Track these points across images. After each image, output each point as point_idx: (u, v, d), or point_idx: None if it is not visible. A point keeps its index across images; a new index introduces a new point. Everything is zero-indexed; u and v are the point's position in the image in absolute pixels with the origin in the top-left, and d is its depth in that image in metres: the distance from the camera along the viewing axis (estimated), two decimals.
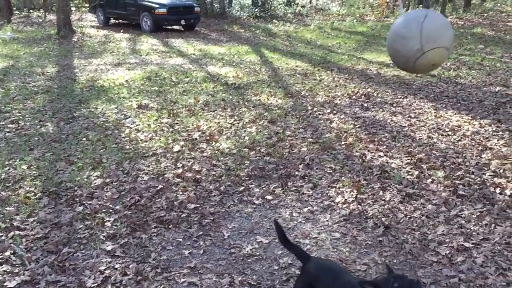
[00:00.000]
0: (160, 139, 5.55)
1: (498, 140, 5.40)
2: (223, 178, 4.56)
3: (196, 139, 5.57)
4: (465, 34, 14.00)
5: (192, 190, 4.29)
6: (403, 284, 2.18)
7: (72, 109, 6.77)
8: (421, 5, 17.18)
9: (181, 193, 4.24)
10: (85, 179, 4.50)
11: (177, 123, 6.12)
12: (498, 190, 4.18)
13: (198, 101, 7.20)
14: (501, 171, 4.57)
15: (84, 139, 5.58)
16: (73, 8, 19.63)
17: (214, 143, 5.46)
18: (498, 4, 23.19)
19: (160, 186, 4.31)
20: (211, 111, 6.70)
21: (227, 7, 21.05)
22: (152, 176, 4.57)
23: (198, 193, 4.24)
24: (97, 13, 17.80)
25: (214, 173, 4.67)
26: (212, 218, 3.85)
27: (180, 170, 4.68)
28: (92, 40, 13.79)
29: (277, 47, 12.75)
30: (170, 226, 3.71)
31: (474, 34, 14.05)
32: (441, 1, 21.83)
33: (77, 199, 4.11)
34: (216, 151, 5.20)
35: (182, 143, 5.42)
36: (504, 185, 4.25)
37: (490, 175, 4.49)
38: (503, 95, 7.34)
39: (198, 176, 4.56)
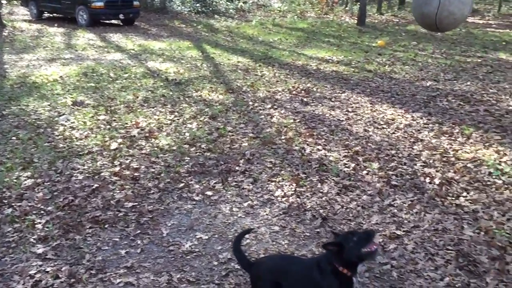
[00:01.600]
0: (96, 136, 5.38)
1: (428, 132, 5.66)
2: (162, 175, 4.49)
3: (134, 136, 5.44)
4: (400, 31, 14.57)
5: (130, 188, 4.19)
6: (360, 235, 2.38)
7: (1, 107, 6.42)
8: (358, 3, 17.67)
9: (118, 191, 4.13)
10: (15, 180, 4.28)
11: (114, 120, 5.96)
12: (427, 180, 4.38)
13: (137, 97, 7.04)
14: (431, 161, 4.79)
15: (14, 138, 5.31)
16: (3, 2, 18.58)
17: (153, 140, 5.36)
18: None
19: (95, 185, 4.18)
20: (150, 108, 6.57)
21: (167, 1, 20.69)
22: (87, 175, 4.42)
23: (136, 191, 4.15)
24: (30, 6, 16.94)
25: (153, 170, 4.59)
26: (150, 216, 3.78)
27: (117, 168, 4.56)
28: (24, 35, 13.13)
29: (219, 42, 12.69)
30: (106, 226, 3.60)
31: (408, 31, 14.64)
32: (377, 0, 22.58)
33: (5, 201, 3.91)
34: (156, 148, 5.11)
35: (119, 140, 5.28)
36: (433, 175, 4.46)
37: (420, 166, 4.70)
38: (434, 89, 7.70)
39: (136, 174, 4.46)
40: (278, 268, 2.64)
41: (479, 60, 10.20)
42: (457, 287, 2.94)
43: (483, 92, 7.51)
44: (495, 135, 5.50)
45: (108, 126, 5.73)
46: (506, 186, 4.22)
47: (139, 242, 3.45)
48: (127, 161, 4.75)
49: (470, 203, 3.96)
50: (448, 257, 3.24)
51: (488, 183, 4.30)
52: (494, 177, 4.41)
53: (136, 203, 3.95)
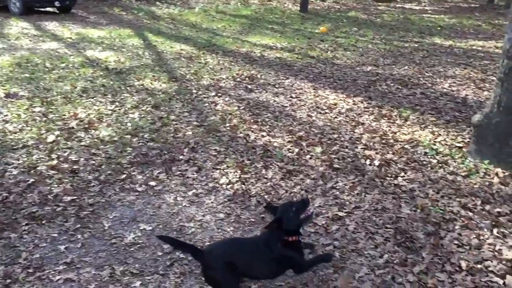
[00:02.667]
0: (31, 129, 5.14)
1: (368, 116, 5.82)
2: (103, 167, 4.37)
3: (73, 128, 5.25)
4: (341, 18, 14.83)
5: (69, 182, 4.05)
6: (297, 205, 2.73)
7: None
8: None
9: (56, 185, 3.98)
10: None
11: (51, 112, 5.71)
12: (368, 162, 4.52)
13: (76, 87, 6.78)
14: (371, 144, 4.94)
15: None
16: None
17: (93, 131, 5.19)
18: None
19: (31, 180, 4.01)
20: (90, 98, 6.35)
21: None
22: (22, 169, 4.22)
23: (75, 185, 4.02)
24: None
25: (93, 162, 4.45)
26: (91, 210, 3.67)
27: (54, 162, 4.39)
28: None
29: (161, 30, 12.42)
30: (43, 222, 3.47)
31: (349, 17, 14.94)
32: None
33: None
34: (96, 140, 4.96)
35: (57, 132, 5.08)
36: (373, 157, 4.60)
37: (361, 148, 4.84)
38: (374, 74, 7.91)
39: (75, 167, 4.32)
40: (229, 250, 2.72)
41: (416, 45, 10.57)
42: (395, 263, 3.06)
43: (420, 75, 7.80)
44: (430, 117, 5.73)
45: (44, 118, 5.49)
46: (440, 165, 4.42)
47: (79, 236, 3.34)
48: (65, 154, 4.58)
49: (408, 182, 4.12)
50: (387, 235, 3.36)
51: (424, 162, 4.49)
52: (429, 156, 4.60)
53: (76, 197, 3.82)
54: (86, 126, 5.31)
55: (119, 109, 5.93)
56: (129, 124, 5.42)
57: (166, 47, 10.08)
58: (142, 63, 8.50)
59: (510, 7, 4.06)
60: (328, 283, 2.89)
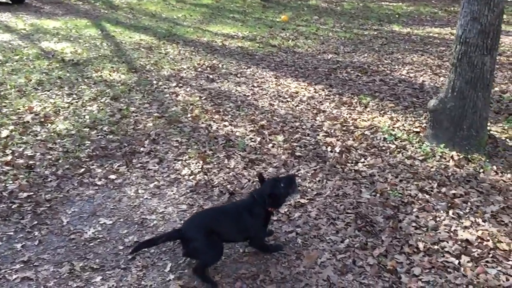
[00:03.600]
0: None
1: (329, 103, 5.88)
2: (60, 161, 4.25)
3: (28, 122, 5.08)
4: (302, 6, 14.88)
5: (24, 178, 3.92)
6: (285, 181, 2.96)
7: None
8: None
9: (11, 182, 3.84)
10: None
11: (5, 106, 5.51)
12: (329, 149, 4.57)
13: (30, 80, 6.55)
14: (332, 131, 4.99)
15: None
16: None
17: (49, 125, 5.04)
18: None
19: None
20: (45, 91, 6.15)
21: None
22: None
23: (31, 180, 3.89)
24: None
25: (50, 157, 4.32)
26: (48, 205, 3.57)
27: (9, 157, 4.24)
28: None
29: (120, 20, 12.13)
30: None
31: (310, 6, 15.00)
32: None
33: None
34: (52, 134, 4.82)
35: (11, 127, 4.90)
36: (334, 144, 4.66)
37: (323, 136, 4.89)
38: (334, 62, 7.99)
39: (31, 162, 4.18)
40: (208, 218, 2.92)
41: (375, 33, 10.73)
42: (356, 247, 3.12)
43: (379, 63, 7.93)
44: (389, 103, 5.84)
45: None
46: (398, 150, 4.52)
47: (36, 233, 3.25)
48: (20, 149, 4.42)
49: (367, 168, 4.19)
50: (348, 220, 3.42)
51: (383, 148, 4.58)
52: (388, 142, 4.70)
53: (32, 193, 3.71)
54: (42, 120, 5.14)
55: (77, 102, 5.78)
56: (87, 117, 5.29)
57: (125, 37, 9.86)
58: (100, 54, 8.29)
59: None
60: (291, 270, 2.92)
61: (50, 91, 6.16)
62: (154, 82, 6.73)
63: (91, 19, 11.96)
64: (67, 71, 7.11)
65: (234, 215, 2.92)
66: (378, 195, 3.74)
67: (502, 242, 3.13)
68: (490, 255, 3.00)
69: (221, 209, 3.20)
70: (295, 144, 4.70)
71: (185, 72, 7.29)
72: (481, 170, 4.05)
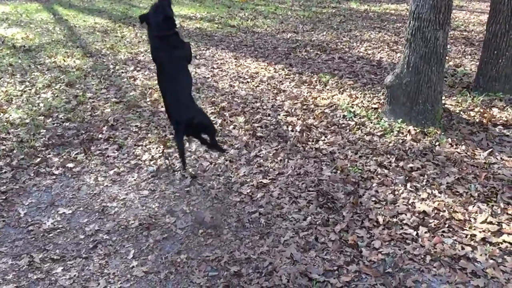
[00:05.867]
0: None
1: (290, 83, 5.89)
2: (15, 151, 4.11)
3: None
4: None
5: None
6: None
7: None
8: None
9: None
10: None
11: None
12: (290, 128, 4.59)
13: None
14: (293, 110, 5.02)
15: None
16: None
17: (2, 114, 4.85)
18: None
19: None
20: None
21: None
22: None
23: None
24: None
25: (3, 147, 4.17)
26: (4, 198, 3.47)
27: None
28: None
29: (73, 3, 11.73)
30: None
31: None
32: None
33: None
34: (5, 123, 4.64)
35: None
36: (295, 123, 4.69)
37: (283, 115, 4.90)
38: (294, 41, 7.99)
39: None
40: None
41: (333, 11, 10.78)
42: (318, 224, 3.17)
43: (337, 41, 7.98)
44: (348, 81, 5.91)
45: None
46: (358, 126, 4.59)
47: None
48: None
49: (328, 145, 4.24)
50: (310, 197, 3.46)
51: (343, 125, 4.64)
52: (347, 119, 4.76)
53: None
54: None
55: (30, 90, 5.58)
56: (41, 105, 5.12)
57: (78, 21, 9.55)
58: (53, 39, 8.00)
59: None
60: (255, 249, 2.94)
61: (1, 79, 5.92)
62: (111, 66, 6.56)
63: (42, 3, 11.50)
64: (19, 57, 6.84)
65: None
66: (338, 172, 3.79)
67: (457, 212, 3.24)
68: (446, 225, 3.11)
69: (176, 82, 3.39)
70: (256, 124, 4.70)
71: (143, 56, 7.14)
72: (437, 143, 4.17)
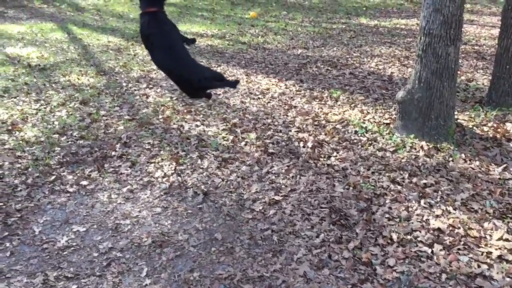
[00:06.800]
0: None
1: (301, 99, 5.91)
2: (30, 169, 4.16)
3: None
4: (270, 2, 14.88)
5: None
6: None
7: None
8: None
9: None
10: None
11: None
12: (301, 144, 4.60)
13: None
14: (304, 126, 5.03)
15: None
16: None
17: (17, 132, 4.92)
18: None
19: None
20: (12, 98, 6.00)
21: None
22: None
23: (0, 191, 3.80)
24: None
25: (19, 165, 4.23)
26: (19, 216, 3.50)
27: None
28: None
29: (87, 22, 11.92)
30: None
31: (278, 1, 15.01)
32: None
33: None
34: (21, 141, 4.71)
35: None
36: (306, 139, 4.69)
37: (295, 131, 4.91)
38: (304, 57, 8.03)
39: None
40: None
41: (344, 26, 10.83)
42: (331, 241, 3.15)
43: (348, 56, 8.01)
44: (359, 96, 5.91)
45: None
46: (370, 142, 4.58)
47: (7, 244, 3.18)
48: None
49: (340, 161, 4.24)
50: (322, 214, 3.45)
51: (355, 141, 4.63)
52: (359, 135, 4.75)
53: (1, 203, 3.62)
54: (10, 128, 5.02)
55: (45, 108, 5.66)
56: (56, 123, 5.19)
57: (92, 39, 9.70)
58: (68, 58, 8.13)
59: None
60: (268, 267, 2.93)
61: (17, 98, 6.01)
62: (124, 84, 6.64)
63: (57, 22, 11.71)
64: (34, 76, 6.95)
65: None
66: (351, 188, 3.78)
67: (472, 229, 3.21)
68: (462, 243, 3.07)
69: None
70: (267, 141, 4.72)
71: (155, 73, 7.22)
72: (450, 159, 4.14)
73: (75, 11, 13.79)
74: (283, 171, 4.11)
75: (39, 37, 9.91)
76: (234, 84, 3.84)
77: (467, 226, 3.24)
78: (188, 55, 3.40)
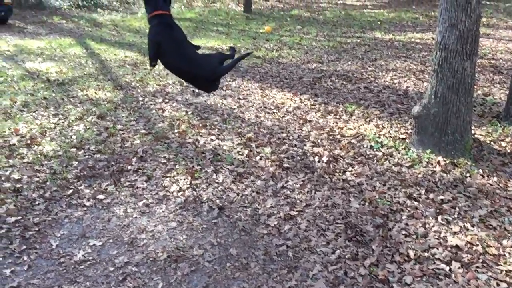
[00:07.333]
0: None
1: (315, 113, 5.92)
2: (48, 183, 4.22)
3: (14, 144, 5.03)
4: (285, 17, 15.01)
5: (12, 202, 3.88)
6: None
7: None
8: None
9: None
10: None
11: None
12: (316, 159, 4.59)
13: (15, 102, 6.51)
14: (319, 140, 5.02)
15: None
16: None
17: (36, 146, 5.00)
18: None
19: None
20: (31, 112, 6.11)
21: None
22: None
23: (19, 204, 3.85)
24: None
25: (37, 179, 4.29)
26: (37, 229, 3.54)
27: None
28: None
29: (104, 37, 12.13)
30: None
31: (292, 16, 15.13)
32: None
33: None
34: (39, 155, 4.78)
35: None
36: (322, 153, 4.69)
37: (310, 146, 4.91)
38: (319, 71, 8.06)
39: (18, 185, 4.14)
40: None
41: (358, 40, 10.85)
42: (347, 258, 3.13)
43: (363, 70, 8.01)
44: (374, 110, 5.90)
45: None
46: (385, 157, 4.56)
47: (25, 258, 3.22)
48: (7, 173, 4.38)
49: (355, 176, 4.22)
50: (338, 230, 3.43)
51: (370, 156, 4.62)
52: (375, 149, 4.73)
53: (20, 217, 3.67)
54: (28, 142, 5.11)
55: (63, 122, 5.75)
56: (73, 137, 5.26)
57: (109, 54, 9.86)
58: (85, 73, 8.27)
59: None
60: (283, 284, 2.92)
61: (36, 112, 6.12)
62: (140, 98, 6.72)
63: (75, 38, 11.94)
64: (53, 91, 7.08)
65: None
66: (367, 203, 3.76)
67: (491, 246, 3.16)
68: (480, 260, 3.03)
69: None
70: (282, 155, 4.72)
71: (171, 87, 7.30)
72: (468, 175, 4.10)
73: (93, 27, 14.04)
74: (298, 186, 4.10)
75: (58, 52, 10.10)
76: (247, 53, 3.87)
77: (485, 244, 3.19)
78: (197, 54, 3.44)
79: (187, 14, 16.76)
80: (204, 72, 3.20)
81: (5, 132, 5.39)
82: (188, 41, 3.45)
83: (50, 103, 6.47)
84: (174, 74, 3.38)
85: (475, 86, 6.16)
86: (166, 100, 6.62)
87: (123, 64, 8.96)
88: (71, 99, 6.68)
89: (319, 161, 4.54)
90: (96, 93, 7.00)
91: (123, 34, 12.76)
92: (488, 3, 16.65)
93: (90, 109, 6.23)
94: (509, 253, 3.07)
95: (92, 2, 19.03)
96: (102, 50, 10.31)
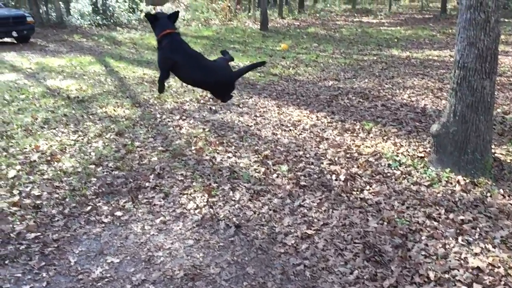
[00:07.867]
0: None
1: (332, 131, 5.91)
2: (67, 200, 4.27)
3: (35, 161, 5.12)
4: (301, 34, 15.12)
5: (32, 218, 3.93)
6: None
7: None
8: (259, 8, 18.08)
9: (18, 223, 3.85)
10: None
11: (11, 146, 5.56)
12: (334, 177, 4.57)
13: (36, 119, 6.64)
14: (336, 158, 5.00)
15: None
16: None
17: (56, 163, 5.08)
18: (328, 5, 25.43)
19: None
20: (51, 129, 6.22)
21: (65, 15, 19.77)
22: None
23: (38, 220, 3.90)
24: None
25: (56, 196, 4.34)
26: (56, 246, 3.57)
27: (16, 198, 4.25)
28: None
29: (123, 55, 12.35)
30: (6, 262, 3.34)
31: (308, 33, 15.23)
32: (278, 4, 23.28)
33: None
34: (59, 172, 4.85)
35: (18, 167, 4.94)
36: (339, 171, 4.66)
37: (327, 164, 4.89)
38: (336, 88, 8.06)
39: (38, 202, 4.20)
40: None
41: (375, 58, 10.85)
42: (365, 279, 3.08)
43: (380, 88, 7.99)
44: (392, 128, 5.86)
45: (5, 153, 5.33)
46: (404, 176, 4.51)
47: (44, 274, 3.24)
48: (28, 189, 4.45)
49: (373, 195, 4.18)
50: (356, 250, 3.39)
51: (388, 174, 4.58)
52: (393, 168, 4.69)
53: (39, 233, 3.71)
54: (49, 158, 5.19)
55: (82, 139, 5.83)
56: (92, 154, 5.33)
57: (128, 72, 10.02)
58: (105, 90, 8.41)
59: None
60: None
61: (56, 129, 6.23)
62: (158, 115, 6.80)
63: (95, 56, 12.18)
64: (73, 108, 7.20)
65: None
66: (385, 223, 3.72)
67: None
68: (502, 283, 2.96)
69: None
70: (299, 173, 4.71)
71: (188, 105, 7.37)
72: (488, 194, 4.04)
73: (113, 45, 14.32)
74: (315, 204, 4.08)
75: (78, 70, 10.30)
76: (260, 64, 4.21)
77: (507, 265, 3.12)
78: (213, 62, 3.65)
79: (204, 32, 16.98)
80: (224, 78, 3.40)
81: (26, 148, 5.49)
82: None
83: (70, 120, 6.58)
84: (195, 86, 3.58)
85: (495, 104, 6.10)
86: (184, 117, 6.68)
87: (141, 81, 9.09)
88: (91, 116, 6.78)
89: (336, 179, 4.52)
90: (115, 110, 7.10)
91: (142, 52, 12.97)
92: (506, 20, 16.55)
93: (108, 126, 6.32)
94: None
95: (111, 21, 19.43)
96: (121, 68, 10.49)
